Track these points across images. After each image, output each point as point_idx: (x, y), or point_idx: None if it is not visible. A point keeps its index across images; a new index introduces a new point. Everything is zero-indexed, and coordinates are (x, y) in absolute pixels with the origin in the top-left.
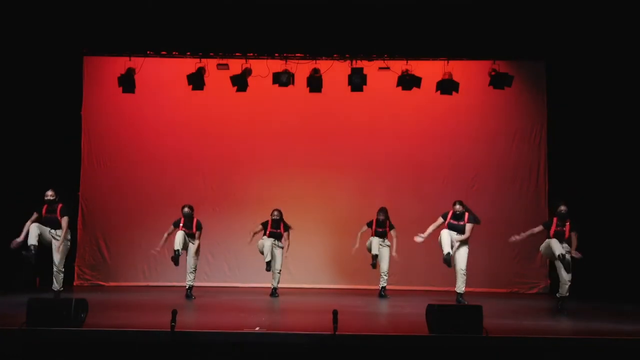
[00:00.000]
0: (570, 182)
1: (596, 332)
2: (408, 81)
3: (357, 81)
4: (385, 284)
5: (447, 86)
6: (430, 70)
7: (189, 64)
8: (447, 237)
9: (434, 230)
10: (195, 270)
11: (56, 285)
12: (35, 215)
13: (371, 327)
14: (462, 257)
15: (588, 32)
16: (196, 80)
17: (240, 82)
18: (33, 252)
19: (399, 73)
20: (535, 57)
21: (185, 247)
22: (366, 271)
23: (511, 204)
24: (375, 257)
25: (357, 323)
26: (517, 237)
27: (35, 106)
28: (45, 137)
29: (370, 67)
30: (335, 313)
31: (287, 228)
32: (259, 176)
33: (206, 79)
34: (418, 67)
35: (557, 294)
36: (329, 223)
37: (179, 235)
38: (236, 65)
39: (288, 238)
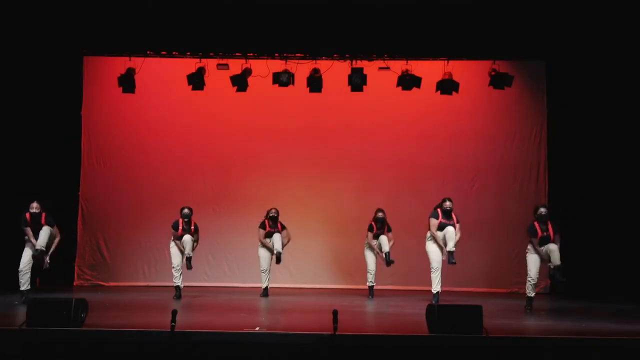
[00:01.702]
0: (570, 182)
1: (596, 332)
2: (408, 81)
3: (357, 81)
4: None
5: (447, 86)
6: (430, 70)
7: (189, 64)
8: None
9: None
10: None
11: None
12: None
13: (371, 327)
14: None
15: (588, 33)
16: (196, 80)
17: (240, 82)
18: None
19: (399, 73)
20: (535, 57)
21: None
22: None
23: (511, 204)
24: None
25: (357, 323)
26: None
27: (35, 106)
28: (46, 136)
29: (370, 67)
30: (335, 313)
31: (284, 227)
32: (259, 176)
33: (206, 79)
34: (418, 67)
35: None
36: (329, 223)
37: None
38: (236, 65)
39: (287, 236)
